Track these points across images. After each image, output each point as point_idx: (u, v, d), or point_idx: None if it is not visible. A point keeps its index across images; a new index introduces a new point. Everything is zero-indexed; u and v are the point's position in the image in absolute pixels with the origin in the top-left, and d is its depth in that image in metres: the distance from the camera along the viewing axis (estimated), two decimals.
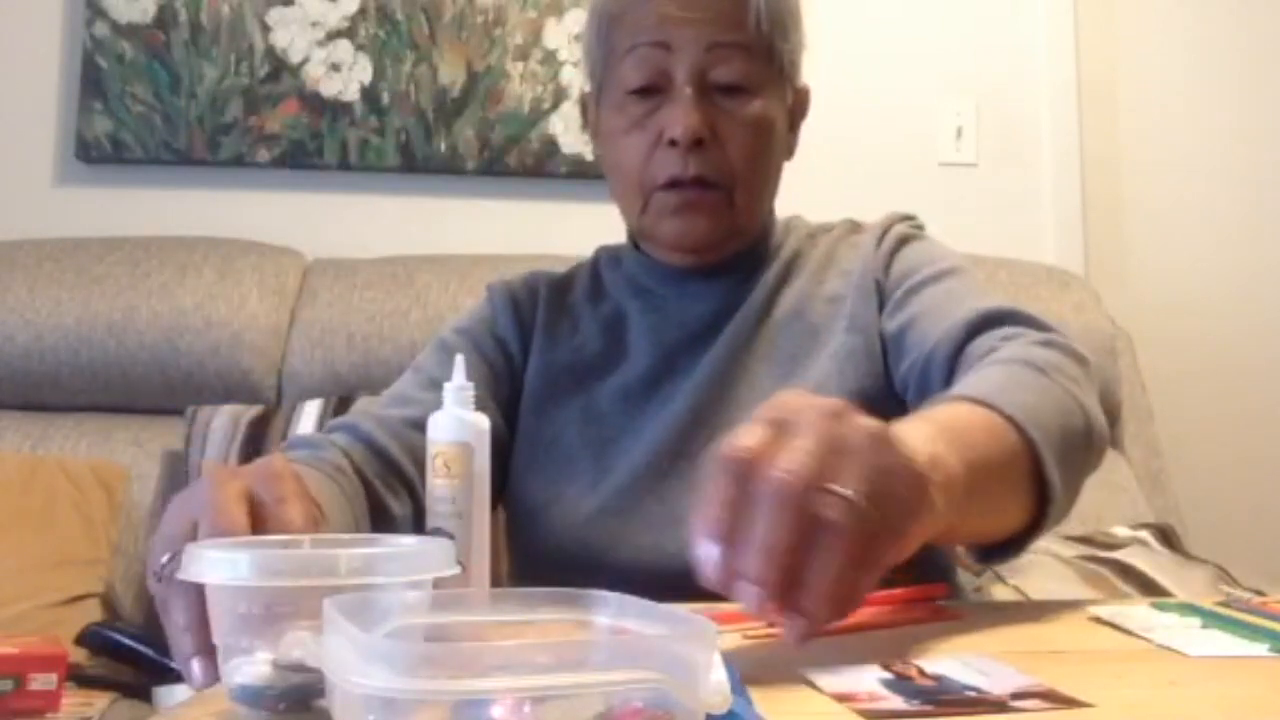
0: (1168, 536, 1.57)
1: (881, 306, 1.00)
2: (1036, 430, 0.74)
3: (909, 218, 1.08)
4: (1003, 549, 0.78)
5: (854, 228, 1.09)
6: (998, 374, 0.82)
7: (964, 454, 0.66)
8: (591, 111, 1.08)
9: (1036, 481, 0.75)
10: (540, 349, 1.06)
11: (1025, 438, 0.74)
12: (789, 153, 1.07)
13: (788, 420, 0.57)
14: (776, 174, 1.05)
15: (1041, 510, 0.76)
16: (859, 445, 0.56)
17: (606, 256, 1.13)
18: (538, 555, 0.99)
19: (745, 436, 0.57)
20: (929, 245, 1.04)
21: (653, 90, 0.98)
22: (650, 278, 1.07)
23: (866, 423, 0.58)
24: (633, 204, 1.02)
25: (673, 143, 0.96)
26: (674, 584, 0.88)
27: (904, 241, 1.04)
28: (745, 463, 0.55)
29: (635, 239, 1.09)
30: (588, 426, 1.01)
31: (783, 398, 0.60)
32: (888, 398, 0.95)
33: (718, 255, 1.03)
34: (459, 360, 0.74)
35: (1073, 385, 0.83)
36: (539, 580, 0.96)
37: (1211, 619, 0.69)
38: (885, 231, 1.05)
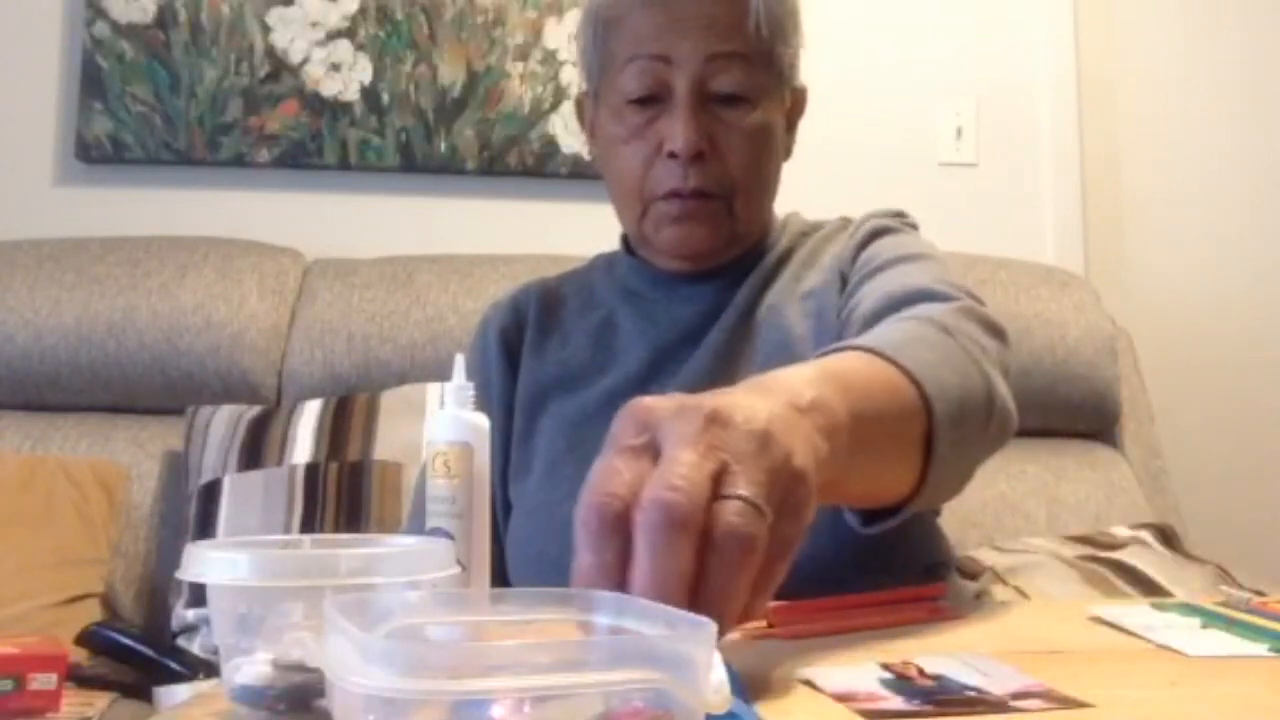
0: (1168, 536, 1.57)
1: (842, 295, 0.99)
2: (935, 388, 0.70)
3: (898, 214, 1.07)
4: (887, 514, 0.73)
5: (843, 225, 1.08)
6: (902, 329, 0.79)
7: (854, 403, 0.61)
8: (589, 110, 1.08)
9: (929, 444, 0.70)
10: (528, 366, 1.07)
11: (922, 395, 0.69)
12: (787, 153, 1.06)
13: (650, 439, 0.50)
14: (776, 178, 1.05)
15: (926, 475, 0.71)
16: (743, 448, 0.50)
17: (602, 264, 1.13)
18: (526, 560, 0.99)
19: (604, 480, 0.49)
20: (903, 237, 1.02)
21: (652, 100, 0.98)
22: (642, 282, 1.07)
23: (743, 416, 0.51)
24: (631, 211, 1.02)
25: (672, 155, 0.96)
26: None
27: (877, 233, 1.02)
28: (613, 510, 0.48)
29: (629, 244, 1.09)
30: (574, 431, 1.01)
31: (632, 409, 0.52)
32: None
33: (716, 261, 1.03)
34: (458, 360, 0.74)
35: (980, 354, 0.79)
36: (529, 584, 0.97)
37: (1211, 619, 0.69)
38: (862, 224, 1.04)
